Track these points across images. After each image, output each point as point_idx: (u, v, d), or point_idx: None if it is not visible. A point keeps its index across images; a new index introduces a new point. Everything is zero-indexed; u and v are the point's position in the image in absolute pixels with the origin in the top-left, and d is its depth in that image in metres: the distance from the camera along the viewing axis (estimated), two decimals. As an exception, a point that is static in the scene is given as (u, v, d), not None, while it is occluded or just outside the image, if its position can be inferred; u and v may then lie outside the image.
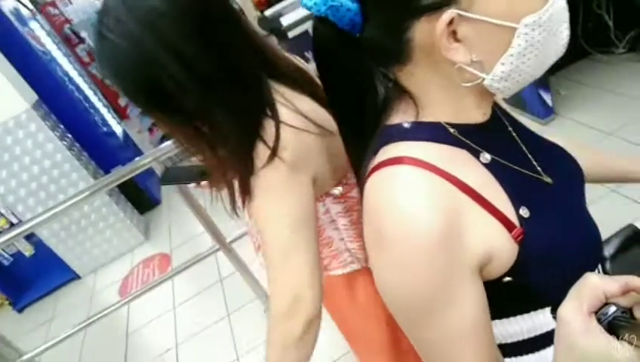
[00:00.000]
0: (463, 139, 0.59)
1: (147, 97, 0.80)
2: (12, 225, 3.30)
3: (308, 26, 3.77)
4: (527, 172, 0.63)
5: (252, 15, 4.09)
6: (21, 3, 3.93)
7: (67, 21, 5.62)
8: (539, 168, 0.64)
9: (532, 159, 0.64)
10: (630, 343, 0.42)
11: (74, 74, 4.06)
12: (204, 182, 1.30)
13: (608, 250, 0.89)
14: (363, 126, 0.63)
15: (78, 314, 3.19)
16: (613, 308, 0.44)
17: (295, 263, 0.82)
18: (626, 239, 0.88)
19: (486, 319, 0.56)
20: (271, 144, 0.79)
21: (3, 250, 3.64)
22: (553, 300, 0.59)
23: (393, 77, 0.61)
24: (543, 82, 2.71)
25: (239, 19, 0.83)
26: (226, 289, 2.92)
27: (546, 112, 2.80)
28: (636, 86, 2.72)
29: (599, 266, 0.70)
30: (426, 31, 0.52)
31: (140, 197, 4.13)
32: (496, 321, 0.62)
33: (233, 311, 2.72)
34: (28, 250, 3.69)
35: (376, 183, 0.57)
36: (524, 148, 0.65)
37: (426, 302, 0.53)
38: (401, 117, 0.61)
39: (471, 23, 0.51)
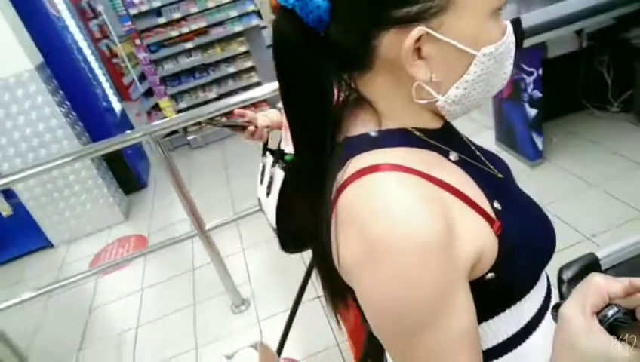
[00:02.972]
0: (431, 141, 0.60)
1: None
2: (-6, 181, 3.27)
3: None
4: (485, 168, 0.65)
5: (268, 18, 4.18)
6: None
7: (86, -6, 5.66)
8: (490, 166, 0.67)
9: (483, 158, 0.67)
10: (630, 343, 0.43)
11: (83, 45, 4.08)
12: (250, 129, 1.42)
13: (567, 274, 0.92)
14: (319, 133, 0.60)
15: (45, 282, 3.14)
16: (615, 309, 0.44)
17: None
18: (585, 265, 0.92)
19: (476, 324, 0.55)
20: None
21: (-20, 206, 3.60)
22: (525, 291, 0.62)
23: (353, 84, 0.60)
24: (537, 127, 2.78)
25: None
26: (196, 279, 2.91)
27: (535, 155, 2.86)
28: (624, 144, 2.80)
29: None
30: (392, 43, 0.52)
31: (127, 177, 4.13)
32: (480, 325, 0.60)
33: (199, 301, 2.71)
34: (5, 210, 3.64)
35: (356, 194, 0.54)
36: (474, 149, 0.68)
37: (425, 312, 0.51)
38: (364, 126, 0.60)
39: (437, 44, 0.52)
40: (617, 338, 0.44)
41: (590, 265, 0.92)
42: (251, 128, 1.42)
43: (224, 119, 1.49)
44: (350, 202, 0.54)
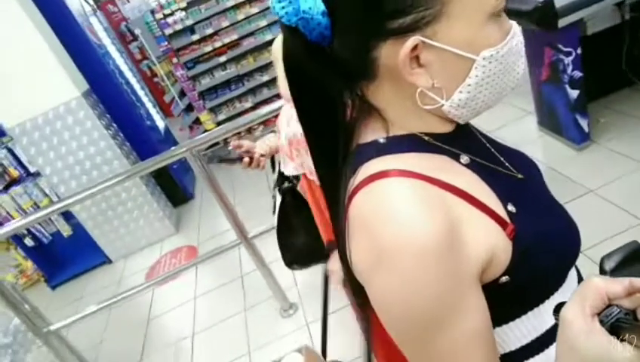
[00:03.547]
0: (440, 144, 0.60)
1: None
2: (54, 204, 3.50)
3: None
4: (502, 169, 0.64)
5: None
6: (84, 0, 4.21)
7: (124, 19, 5.95)
8: (509, 166, 0.66)
9: (502, 159, 0.66)
10: (630, 343, 0.43)
11: (125, 68, 4.28)
12: (245, 160, 1.45)
13: (609, 264, 0.88)
14: (331, 142, 0.62)
15: (106, 296, 3.33)
16: (616, 310, 0.44)
17: None
18: (628, 254, 0.88)
19: (490, 325, 0.55)
20: None
21: (43, 228, 3.86)
22: (548, 293, 0.61)
23: (360, 93, 0.62)
24: (581, 108, 2.66)
25: None
26: (245, 286, 2.99)
27: (581, 138, 2.74)
28: (680, 118, 2.63)
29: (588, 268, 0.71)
30: (391, 53, 0.54)
31: (174, 190, 4.30)
32: (497, 329, 0.60)
33: (250, 306, 2.78)
34: (66, 231, 3.90)
35: (365, 200, 0.55)
36: (492, 149, 0.67)
37: (435, 314, 0.51)
38: (373, 134, 0.61)
39: (434, 51, 0.53)
40: (618, 338, 0.43)
41: (634, 253, 0.88)
42: (247, 159, 1.42)
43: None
44: (359, 209, 0.56)
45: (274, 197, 1.42)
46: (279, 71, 1.36)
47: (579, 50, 2.50)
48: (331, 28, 0.54)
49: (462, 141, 0.63)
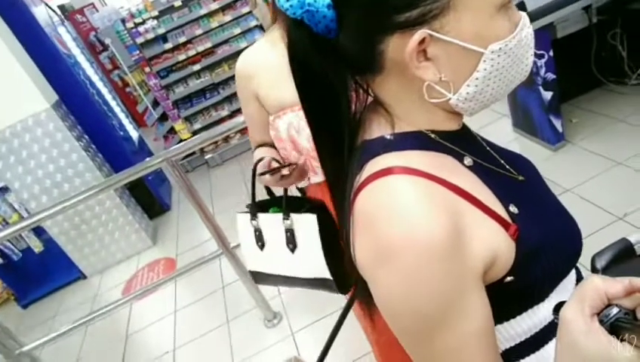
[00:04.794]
0: (446, 144, 0.60)
1: None
2: (24, 220, 3.36)
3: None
4: (503, 172, 0.64)
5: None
6: (51, 9, 4.09)
7: (93, 29, 5.82)
8: (510, 168, 0.66)
9: (502, 161, 0.66)
10: (630, 343, 0.42)
11: (95, 78, 4.17)
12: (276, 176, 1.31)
13: (600, 263, 0.89)
14: (337, 137, 0.62)
15: (81, 313, 3.21)
16: (615, 310, 0.44)
17: None
18: (619, 252, 0.88)
19: (492, 325, 0.55)
20: None
21: (13, 245, 3.70)
22: (550, 291, 0.61)
23: (366, 87, 0.62)
24: (554, 109, 2.72)
25: None
26: (227, 297, 2.93)
27: (556, 139, 2.80)
28: (648, 117, 2.72)
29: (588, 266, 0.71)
30: (398, 46, 0.53)
31: (150, 202, 4.20)
32: (498, 326, 0.60)
33: (232, 318, 2.73)
34: (37, 247, 3.75)
35: (369, 197, 0.55)
36: (492, 152, 0.67)
37: (437, 312, 0.51)
38: (380, 130, 0.61)
39: (441, 44, 0.52)
40: (618, 338, 0.43)
41: (624, 250, 0.88)
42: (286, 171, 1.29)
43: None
44: (363, 205, 0.56)
45: (288, 230, 1.25)
46: (262, 79, 1.30)
47: (551, 53, 2.56)
48: (337, 20, 0.53)
49: (465, 141, 0.63)
